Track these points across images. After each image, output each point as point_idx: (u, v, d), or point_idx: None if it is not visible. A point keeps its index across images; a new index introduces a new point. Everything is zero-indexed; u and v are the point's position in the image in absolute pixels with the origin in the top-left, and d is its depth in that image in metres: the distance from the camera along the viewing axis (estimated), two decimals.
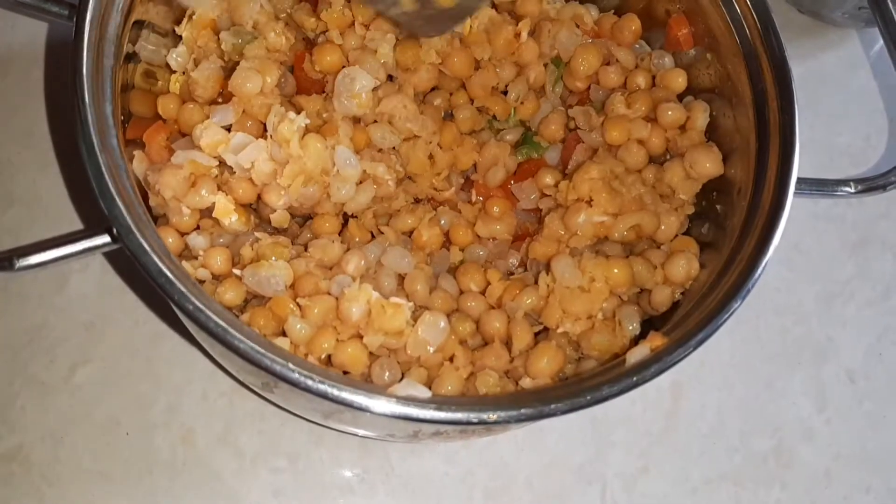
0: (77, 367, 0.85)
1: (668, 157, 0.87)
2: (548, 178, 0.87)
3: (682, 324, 0.72)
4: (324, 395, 0.60)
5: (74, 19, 0.69)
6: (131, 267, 0.64)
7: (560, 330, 0.77)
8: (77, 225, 0.88)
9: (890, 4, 0.84)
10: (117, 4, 0.72)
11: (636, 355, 0.68)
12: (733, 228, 0.78)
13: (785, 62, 0.78)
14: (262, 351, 0.61)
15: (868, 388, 0.99)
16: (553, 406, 0.63)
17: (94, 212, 0.65)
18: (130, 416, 0.85)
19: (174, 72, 0.84)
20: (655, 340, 0.69)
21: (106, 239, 0.64)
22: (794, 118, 0.76)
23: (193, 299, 0.61)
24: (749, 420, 0.95)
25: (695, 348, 0.67)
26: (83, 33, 0.67)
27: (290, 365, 0.61)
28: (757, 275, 0.70)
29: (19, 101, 0.91)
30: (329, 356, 0.73)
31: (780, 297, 1.00)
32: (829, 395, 0.98)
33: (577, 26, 0.91)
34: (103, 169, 0.63)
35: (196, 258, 0.79)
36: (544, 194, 0.87)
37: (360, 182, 0.81)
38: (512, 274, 0.86)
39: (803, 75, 1.09)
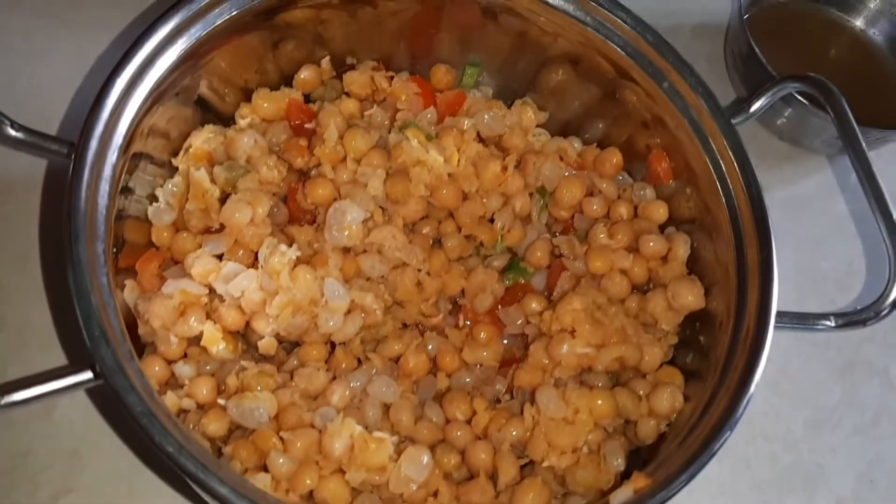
0: (59, 496, 0.84)
1: (650, 286, 0.89)
2: (533, 304, 0.89)
3: (666, 462, 0.71)
4: None
5: (72, 159, 0.72)
6: (116, 398, 0.64)
7: (546, 464, 0.77)
8: (68, 352, 0.89)
9: (861, 139, 0.86)
10: (115, 144, 0.75)
11: (619, 498, 0.68)
12: (717, 361, 0.79)
13: (761, 202, 0.80)
14: (241, 495, 0.60)
15: None
16: None
17: (79, 346, 0.65)
18: None
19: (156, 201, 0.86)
20: (639, 482, 0.69)
21: (89, 375, 0.65)
22: (772, 256, 0.78)
23: (174, 441, 0.61)
24: None
25: (679, 489, 0.67)
26: (80, 176, 0.70)
27: None
28: (738, 414, 0.70)
29: (17, 226, 0.93)
30: (311, 491, 0.72)
31: (769, 423, 1.00)
32: None
33: (561, 159, 0.94)
34: (91, 310, 0.64)
35: (182, 387, 0.80)
36: (530, 320, 0.88)
37: (349, 312, 0.82)
38: (499, 401, 0.86)
39: (785, 200, 1.13)
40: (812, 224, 1.14)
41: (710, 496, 0.95)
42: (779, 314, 0.77)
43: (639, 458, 0.82)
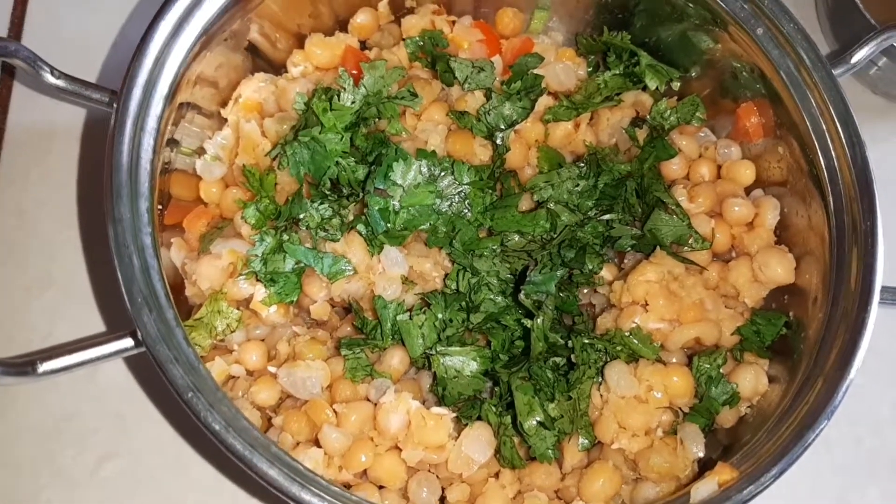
0: (105, 460, 0.81)
1: (733, 254, 0.82)
2: (603, 273, 0.82)
3: (754, 452, 0.65)
4: None
5: (114, 109, 0.67)
6: (159, 370, 0.60)
7: (615, 446, 0.71)
8: (113, 313, 0.86)
9: None
10: (160, 93, 0.70)
11: (702, 492, 0.62)
12: (810, 340, 0.72)
13: (866, 164, 0.72)
14: (291, 478, 0.56)
15: None
16: None
17: (121, 309, 0.61)
18: None
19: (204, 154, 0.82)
20: (724, 474, 0.63)
21: (130, 343, 0.61)
22: (877, 225, 0.70)
23: (220, 419, 0.57)
24: None
25: (769, 485, 0.60)
26: (122, 129, 0.65)
27: (321, 495, 0.56)
28: (837, 401, 0.64)
29: (61, 179, 0.89)
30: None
31: (854, 404, 0.90)
32: None
33: (638, 113, 0.87)
34: (133, 274, 0.60)
35: (231, 352, 0.76)
36: (597, 290, 0.82)
37: (406, 279, 0.77)
38: None
39: (877, 159, 1.02)
40: None
41: (787, 479, 0.88)
42: (881, 290, 0.70)
43: (716, 441, 0.76)
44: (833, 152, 0.74)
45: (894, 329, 0.95)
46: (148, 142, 0.67)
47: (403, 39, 0.88)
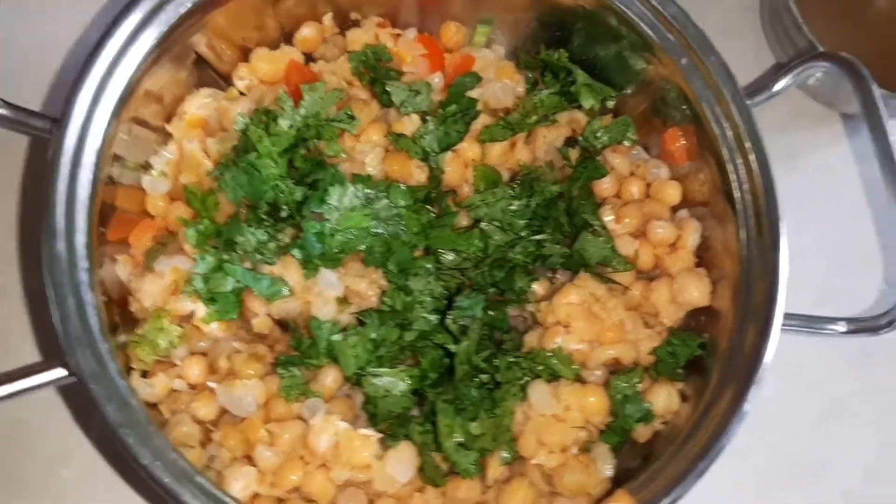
0: (59, 462, 0.84)
1: (657, 272, 0.85)
2: (536, 288, 0.85)
3: (655, 477, 0.70)
4: None
5: (49, 151, 0.69)
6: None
7: (534, 461, 0.76)
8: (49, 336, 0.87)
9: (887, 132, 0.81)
10: (99, 126, 0.72)
11: None
12: (719, 364, 0.76)
13: (775, 202, 0.75)
14: None
15: None
16: None
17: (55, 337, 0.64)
18: None
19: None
20: (622, 501, 0.68)
21: (63, 373, 0.65)
22: (780, 260, 0.73)
23: (148, 455, 0.61)
24: None
25: None
26: (58, 166, 0.67)
27: None
28: (730, 433, 0.68)
29: (4, 195, 0.90)
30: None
31: (773, 410, 0.94)
32: None
33: (574, 132, 0.89)
34: (68, 313, 0.63)
35: (174, 366, 0.79)
36: (527, 305, 0.85)
37: (343, 299, 0.80)
38: None
39: (818, 165, 1.07)
40: (843, 191, 1.06)
41: (707, 482, 0.92)
42: (786, 316, 0.74)
43: (635, 452, 0.80)
44: (747, 185, 0.77)
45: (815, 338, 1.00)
46: (86, 176, 0.69)
47: (348, 52, 0.89)
